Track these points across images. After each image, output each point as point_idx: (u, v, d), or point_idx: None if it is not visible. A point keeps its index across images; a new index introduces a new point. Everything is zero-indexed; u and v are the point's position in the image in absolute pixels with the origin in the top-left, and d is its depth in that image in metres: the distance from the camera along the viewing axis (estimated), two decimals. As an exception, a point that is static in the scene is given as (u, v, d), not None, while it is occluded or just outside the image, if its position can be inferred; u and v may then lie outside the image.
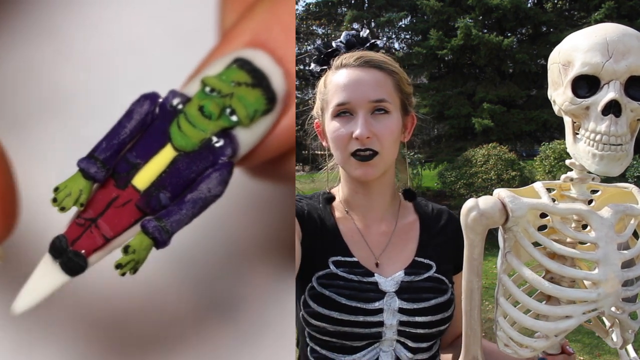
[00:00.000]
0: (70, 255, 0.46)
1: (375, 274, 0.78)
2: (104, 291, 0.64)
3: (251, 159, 0.51)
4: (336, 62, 0.81)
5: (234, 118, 0.48)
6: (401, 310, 0.76)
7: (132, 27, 0.69)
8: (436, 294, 0.78)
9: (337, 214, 0.85)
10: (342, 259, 0.79)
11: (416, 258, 0.81)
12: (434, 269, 0.80)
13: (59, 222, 0.48)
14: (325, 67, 0.83)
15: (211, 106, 0.48)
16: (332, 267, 0.78)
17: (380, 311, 0.76)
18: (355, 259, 0.79)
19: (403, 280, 0.78)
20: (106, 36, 0.68)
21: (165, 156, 0.48)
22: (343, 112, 0.77)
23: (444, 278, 0.80)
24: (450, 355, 0.88)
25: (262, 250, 0.68)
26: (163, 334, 0.65)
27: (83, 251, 0.47)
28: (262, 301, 0.67)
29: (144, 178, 0.48)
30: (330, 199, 0.85)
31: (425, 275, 0.79)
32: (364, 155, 0.76)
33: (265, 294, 0.67)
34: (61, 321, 0.64)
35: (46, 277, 0.47)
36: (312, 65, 0.86)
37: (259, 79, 0.49)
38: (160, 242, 0.47)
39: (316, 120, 0.85)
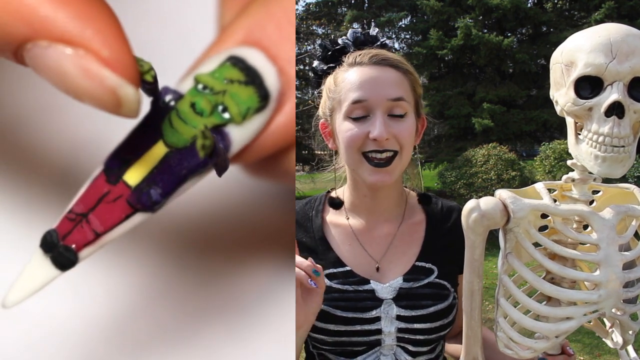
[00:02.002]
0: (60, 250, 0.46)
1: (372, 281, 0.76)
2: (105, 288, 0.64)
3: (246, 156, 0.51)
4: (348, 59, 0.77)
5: (226, 115, 0.48)
6: (399, 318, 0.74)
7: (136, 28, 0.68)
8: (435, 301, 0.76)
9: (335, 219, 0.82)
10: (335, 270, 0.77)
11: (417, 263, 0.78)
12: (436, 273, 0.78)
13: (56, 218, 0.48)
14: (333, 64, 0.79)
15: (203, 103, 0.48)
16: (325, 280, 0.74)
17: (377, 319, 0.74)
18: (348, 268, 0.77)
19: (401, 287, 0.76)
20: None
21: (156, 152, 0.48)
22: (358, 113, 0.73)
23: (445, 283, 0.78)
24: (458, 347, 0.87)
25: (262, 250, 0.68)
26: (162, 333, 0.64)
27: (73, 246, 0.46)
28: (262, 301, 0.67)
29: (135, 174, 0.47)
30: (339, 204, 0.82)
31: (425, 281, 0.77)
32: (380, 159, 0.72)
33: (265, 294, 0.67)
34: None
35: (38, 271, 0.47)
36: (316, 63, 0.82)
37: (251, 77, 0.49)
38: (217, 146, 0.47)
39: (322, 121, 0.81)
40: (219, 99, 0.48)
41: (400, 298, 0.75)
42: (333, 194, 0.85)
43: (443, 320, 0.76)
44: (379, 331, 0.74)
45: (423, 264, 0.78)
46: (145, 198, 0.47)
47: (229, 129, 0.49)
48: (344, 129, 0.74)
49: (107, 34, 0.42)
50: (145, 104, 0.48)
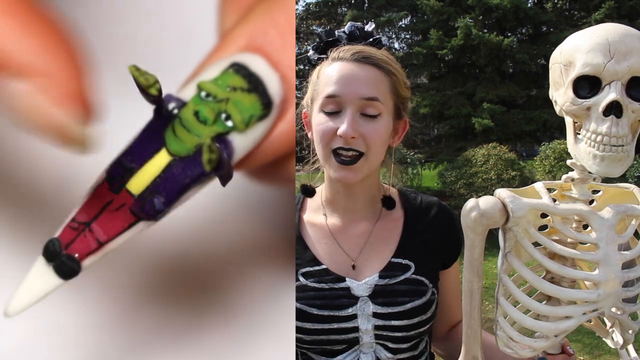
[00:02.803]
0: (63, 259, 0.46)
1: (347, 279, 0.76)
2: (105, 288, 0.64)
3: (248, 164, 0.51)
4: (333, 54, 0.77)
5: (229, 123, 0.48)
6: (375, 315, 0.74)
7: (136, 30, 0.69)
8: (412, 297, 0.75)
9: (312, 217, 0.82)
10: (311, 269, 0.77)
11: (393, 259, 0.78)
12: (413, 269, 0.77)
13: (57, 220, 0.48)
14: (323, 56, 0.79)
15: (206, 111, 0.47)
16: (301, 279, 0.77)
17: (354, 317, 0.74)
18: (324, 267, 0.77)
19: (377, 284, 0.76)
20: (109, 38, 0.68)
21: (159, 161, 0.47)
22: (331, 108, 0.73)
23: (422, 279, 0.77)
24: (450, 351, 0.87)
25: (262, 252, 0.68)
26: (163, 334, 0.65)
27: (76, 255, 0.46)
28: (262, 302, 0.67)
29: (138, 182, 0.47)
30: (311, 191, 0.83)
31: (402, 277, 0.77)
32: (345, 157, 0.72)
33: (265, 295, 0.67)
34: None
35: (40, 280, 0.46)
36: (310, 52, 0.83)
37: (254, 84, 0.49)
38: (222, 158, 0.47)
39: (304, 110, 0.82)
40: (222, 106, 0.48)
41: (376, 295, 0.75)
42: (308, 184, 0.85)
43: (421, 316, 0.76)
44: (355, 329, 0.74)
45: (399, 260, 0.78)
46: (148, 207, 0.47)
47: (231, 137, 0.48)
48: (317, 121, 0.75)
49: (62, 70, 0.42)
50: (148, 111, 0.48)
